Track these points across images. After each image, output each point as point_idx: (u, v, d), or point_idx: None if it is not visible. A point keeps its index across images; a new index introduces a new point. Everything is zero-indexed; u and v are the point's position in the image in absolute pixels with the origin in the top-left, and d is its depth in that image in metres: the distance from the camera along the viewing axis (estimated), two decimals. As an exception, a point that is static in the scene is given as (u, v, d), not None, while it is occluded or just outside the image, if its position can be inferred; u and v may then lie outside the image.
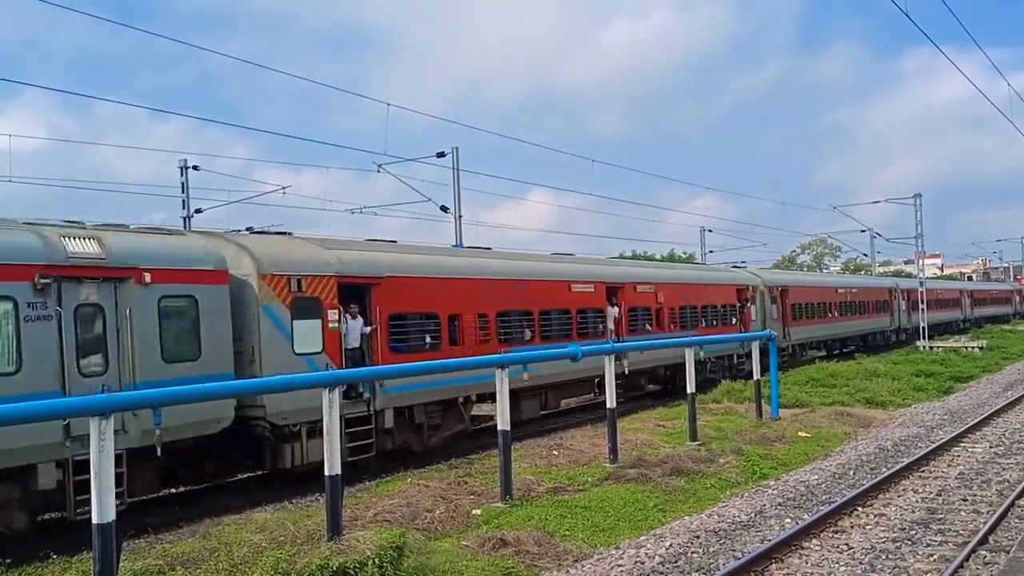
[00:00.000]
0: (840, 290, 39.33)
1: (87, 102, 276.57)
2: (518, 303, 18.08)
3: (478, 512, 11.23)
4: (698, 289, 26.33)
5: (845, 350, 39.62)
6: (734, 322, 27.80)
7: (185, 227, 26.42)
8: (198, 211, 29.46)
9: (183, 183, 29.22)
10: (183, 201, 29.20)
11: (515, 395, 16.71)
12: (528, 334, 18.16)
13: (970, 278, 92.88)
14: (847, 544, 9.80)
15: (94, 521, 7.25)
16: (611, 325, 21.19)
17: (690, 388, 16.95)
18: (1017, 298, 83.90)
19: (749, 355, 27.60)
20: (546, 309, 18.93)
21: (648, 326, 22.86)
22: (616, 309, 21.44)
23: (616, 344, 19.00)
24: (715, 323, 26.59)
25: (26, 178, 48.27)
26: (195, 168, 29.29)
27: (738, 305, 28.45)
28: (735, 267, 36.15)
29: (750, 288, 29.59)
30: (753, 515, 11.19)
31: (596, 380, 20.32)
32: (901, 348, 41.51)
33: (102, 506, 7.21)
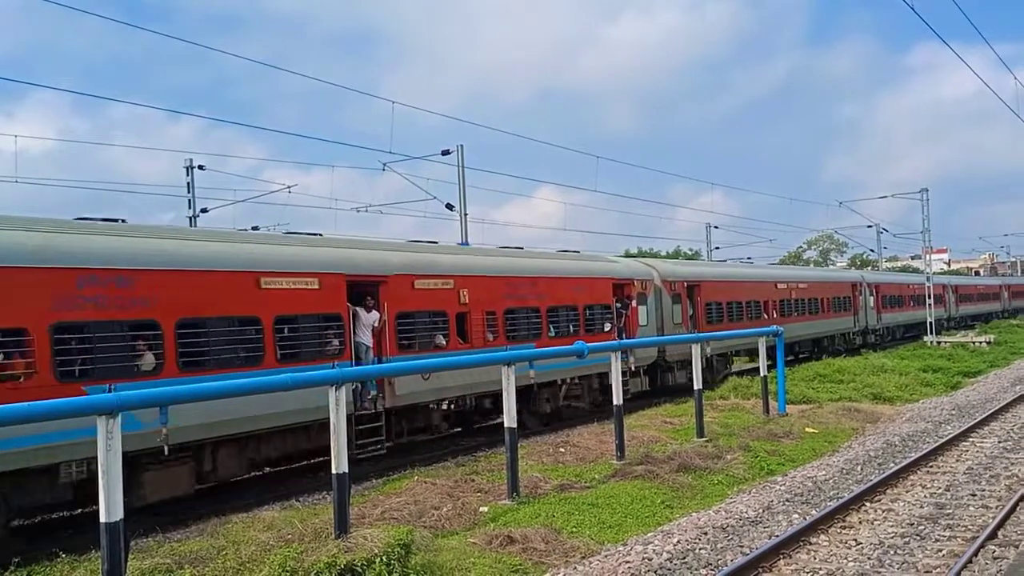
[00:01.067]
0: (781, 285, 32.14)
1: (100, 103, 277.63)
2: (123, 310, 10.94)
3: (485, 509, 11.24)
4: (542, 284, 18.96)
5: (799, 357, 33.55)
6: (607, 328, 20.79)
7: (191, 227, 26.38)
8: (204, 211, 29.58)
9: (189, 183, 29.32)
10: (189, 201, 29.31)
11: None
12: (149, 361, 11.21)
13: (977, 273, 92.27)
14: (855, 539, 9.77)
15: (102, 520, 7.26)
16: (364, 340, 14.37)
17: (697, 384, 16.91)
18: (1006, 294, 73.34)
19: (639, 372, 22.53)
20: (196, 318, 11.78)
21: (442, 339, 16.02)
22: (375, 315, 14.59)
23: (624, 341, 18.96)
24: (572, 330, 19.50)
25: (32, 179, 48.49)
26: (201, 168, 29.40)
27: (617, 306, 21.56)
28: (635, 259, 27.62)
29: (635, 283, 22.62)
30: (761, 511, 11.18)
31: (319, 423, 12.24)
32: (871, 352, 35.48)
33: (110, 505, 7.23)
